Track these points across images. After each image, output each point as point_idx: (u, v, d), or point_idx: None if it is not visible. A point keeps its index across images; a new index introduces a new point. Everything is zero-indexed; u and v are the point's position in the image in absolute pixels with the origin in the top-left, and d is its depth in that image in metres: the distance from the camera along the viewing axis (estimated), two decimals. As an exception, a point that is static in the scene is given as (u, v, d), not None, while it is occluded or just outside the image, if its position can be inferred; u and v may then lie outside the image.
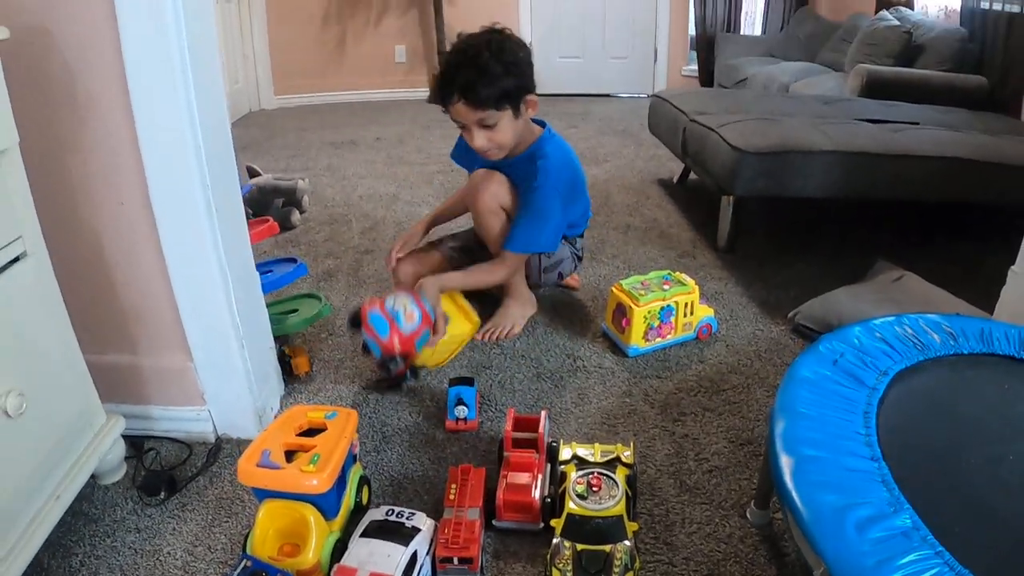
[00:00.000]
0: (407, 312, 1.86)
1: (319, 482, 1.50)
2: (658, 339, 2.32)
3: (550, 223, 2.31)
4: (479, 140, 2.20)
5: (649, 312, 2.25)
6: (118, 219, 1.77)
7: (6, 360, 1.44)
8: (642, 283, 2.33)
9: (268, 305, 2.08)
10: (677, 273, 2.39)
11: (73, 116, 1.68)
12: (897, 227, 3.21)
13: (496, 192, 2.30)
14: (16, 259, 1.47)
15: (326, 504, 1.54)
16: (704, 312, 2.39)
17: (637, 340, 2.28)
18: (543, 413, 1.82)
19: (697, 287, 2.33)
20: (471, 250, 2.59)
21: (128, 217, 1.77)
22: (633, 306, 2.24)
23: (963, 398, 1.48)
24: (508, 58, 2.15)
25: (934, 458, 1.33)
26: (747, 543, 1.62)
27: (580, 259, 2.59)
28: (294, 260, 2.39)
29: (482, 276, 2.37)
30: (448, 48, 2.27)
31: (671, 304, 2.29)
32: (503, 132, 2.20)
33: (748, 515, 1.68)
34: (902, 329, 1.61)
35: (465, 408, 1.90)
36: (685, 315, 2.32)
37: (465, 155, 2.48)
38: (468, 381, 1.98)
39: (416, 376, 2.10)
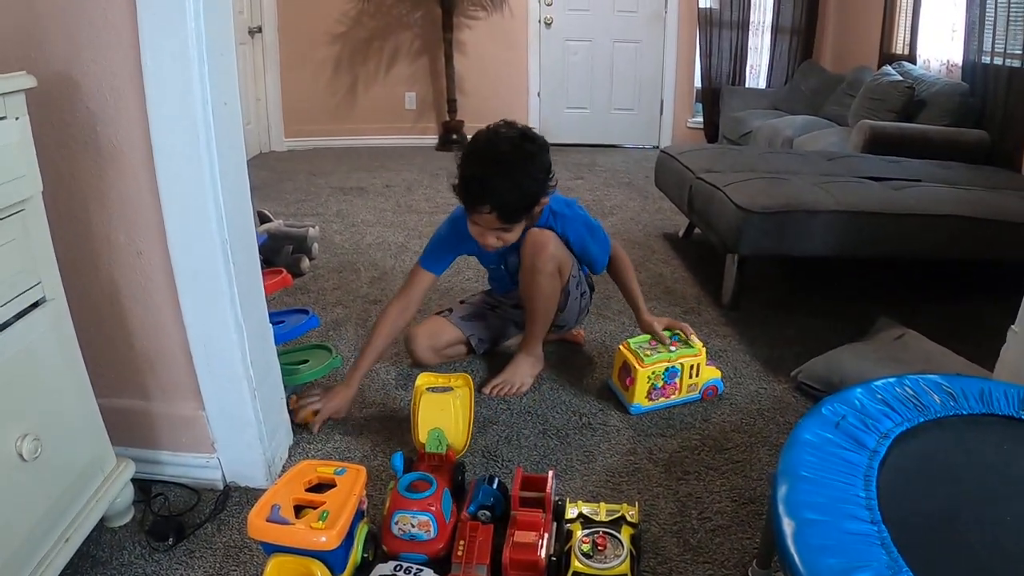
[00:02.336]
0: (419, 525, 1.72)
1: (328, 539, 1.51)
2: (661, 399, 2.35)
3: (598, 232, 2.44)
4: (492, 241, 2.22)
5: (653, 373, 2.28)
6: (136, 268, 1.81)
7: (23, 404, 1.47)
8: (649, 342, 2.36)
9: (279, 356, 2.10)
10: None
11: (95, 165, 1.72)
12: (899, 284, 3.24)
13: (555, 253, 2.31)
14: (35, 304, 1.50)
15: (334, 560, 1.56)
16: (710, 374, 2.41)
17: (640, 399, 2.30)
18: (550, 473, 1.84)
19: (704, 349, 2.36)
20: (483, 314, 2.64)
21: (146, 266, 1.80)
22: (637, 366, 2.26)
23: (962, 459, 1.51)
24: (538, 171, 2.14)
25: (933, 520, 1.35)
26: (748, 606, 1.63)
27: (593, 289, 2.64)
28: (306, 311, 2.42)
29: (630, 272, 2.56)
30: (471, 142, 2.20)
31: (676, 366, 2.31)
32: (516, 233, 2.23)
33: (750, 575, 1.69)
34: (903, 390, 1.63)
35: (488, 513, 1.81)
36: (691, 376, 2.34)
37: (445, 254, 2.45)
38: (502, 488, 1.89)
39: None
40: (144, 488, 1.95)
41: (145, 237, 1.77)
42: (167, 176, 1.69)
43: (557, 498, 1.82)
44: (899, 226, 2.90)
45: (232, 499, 1.96)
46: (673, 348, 2.33)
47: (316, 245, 3.54)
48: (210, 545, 1.81)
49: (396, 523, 1.71)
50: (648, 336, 2.41)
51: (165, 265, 1.78)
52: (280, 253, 3.34)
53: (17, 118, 1.41)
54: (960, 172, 3.57)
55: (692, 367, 2.33)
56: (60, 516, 1.58)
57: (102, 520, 1.82)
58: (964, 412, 1.58)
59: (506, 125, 2.16)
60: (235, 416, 1.93)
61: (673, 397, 2.36)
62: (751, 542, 1.79)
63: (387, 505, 1.79)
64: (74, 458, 1.64)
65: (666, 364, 2.29)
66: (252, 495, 1.95)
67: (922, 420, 1.56)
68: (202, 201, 1.71)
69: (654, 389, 2.31)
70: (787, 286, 3.28)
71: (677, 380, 2.33)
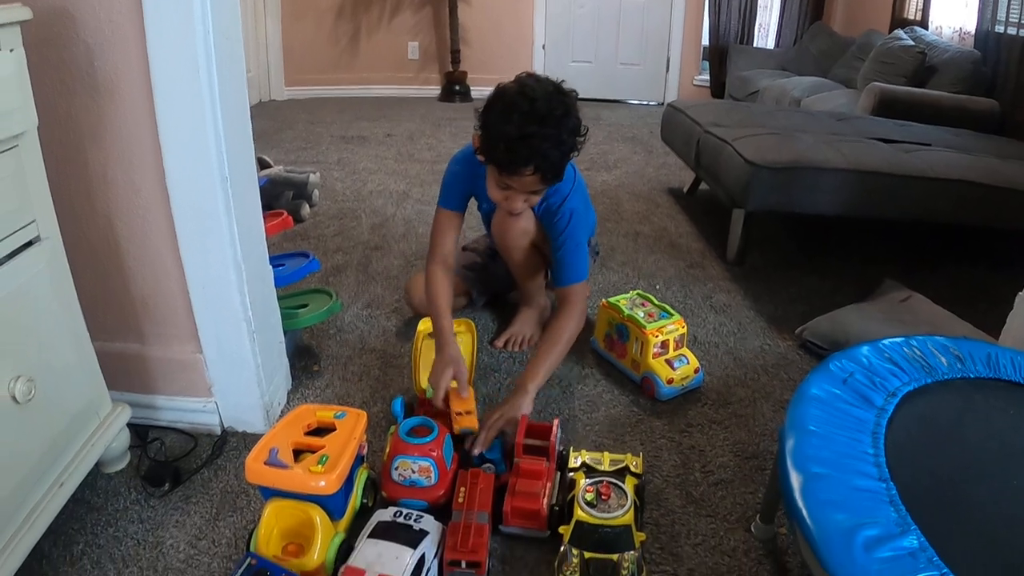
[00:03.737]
0: (420, 470, 1.69)
1: (327, 483, 1.49)
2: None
3: (583, 248, 2.23)
4: (519, 205, 2.08)
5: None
6: (133, 207, 1.77)
7: (16, 345, 1.44)
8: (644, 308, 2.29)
9: (278, 299, 2.07)
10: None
11: (92, 102, 1.67)
12: (906, 247, 3.21)
13: (527, 228, 2.24)
14: (29, 243, 1.47)
15: (333, 505, 1.54)
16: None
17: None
18: (555, 422, 1.82)
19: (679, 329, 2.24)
20: (484, 266, 2.60)
21: (143, 205, 1.76)
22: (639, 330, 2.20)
23: (969, 422, 1.49)
24: (574, 126, 1.99)
25: (940, 481, 1.33)
26: (751, 557, 1.62)
27: (598, 254, 2.58)
28: (306, 255, 2.38)
29: (566, 335, 2.11)
30: (501, 99, 1.98)
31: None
32: (540, 195, 2.12)
33: (753, 529, 1.68)
34: (910, 350, 1.61)
35: (492, 465, 1.80)
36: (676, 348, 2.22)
37: (460, 192, 2.29)
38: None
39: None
40: (140, 434, 1.93)
41: (143, 175, 1.73)
42: (166, 111, 1.64)
43: (561, 448, 1.80)
44: (908, 188, 2.86)
45: (229, 444, 1.95)
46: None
47: (317, 192, 3.50)
48: (207, 490, 1.80)
49: (396, 468, 1.69)
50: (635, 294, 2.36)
51: (163, 204, 1.74)
52: (280, 199, 3.31)
53: (12, 50, 1.36)
54: (970, 140, 3.52)
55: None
56: (54, 461, 1.56)
57: (97, 465, 1.80)
58: (971, 375, 1.56)
59: (533, 78, 2.02)
60: (233, 359, 1.90)
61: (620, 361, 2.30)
62: (754, 497, 1.77)
63: (387, 450, 1.77)
64: (69, 402, 1.61)
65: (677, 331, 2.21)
66: (250, 440, 1.93)
67: (929, 381, 1.54)
68: (202, 137, 1.66)
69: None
70: (793, 245, 3.26)
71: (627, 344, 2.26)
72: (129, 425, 1.84)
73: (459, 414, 1.86)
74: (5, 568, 1.37)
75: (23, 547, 1.43)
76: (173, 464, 1.86)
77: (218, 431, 1.99)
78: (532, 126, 1.89)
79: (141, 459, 1.87)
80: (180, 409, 1.99)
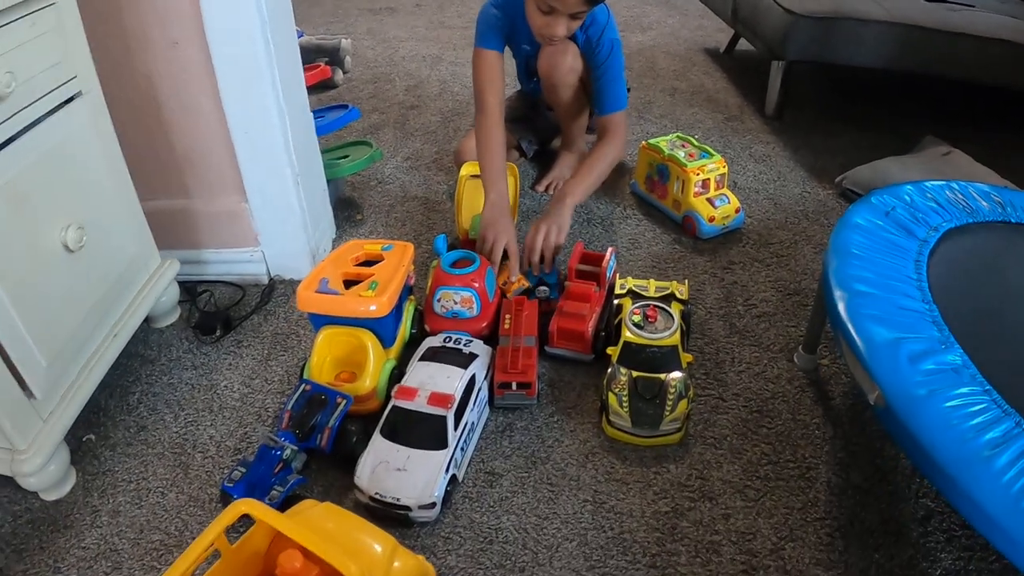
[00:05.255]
0: (462, 301, 1.72)
1: (378, 307, 1.52)
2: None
3: (622, 79, 2.24)
4: (561, 31, 2.04)
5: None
6: (172, 61, 1.76)
7: (66, 195, 1.46)
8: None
9: (320, 151, 2.08)
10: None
11: (126, -49, 1.65)
12: (948, 106, 3.15)
13: (574, 66, 2.22)
14: (71, 98, 1.48)
15: (384, 331, 1.57)
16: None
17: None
18: (610, 250, 1.84)
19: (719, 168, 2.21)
20: (529, 117, 2.59)
21: (182, 58, 1.76)
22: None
23: (1009, 259, 1.49)
24: None
25: (980, 308, 1.35)
26: (794, 384, 1.64)
27: (629, 89, 2.56)
28: (346, 106, 2.39)
29: (607, 158, 2.17)
30: None
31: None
32: (579, 23, 2.09)
33: (796, 359, 1.70)
34: (952, 193, 1.61)
35: (547, 288, 1.84)
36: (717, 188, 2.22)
37: (499, 32, 2.21)
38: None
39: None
40: (189, 290, 1.97)
41: (181, 30, 1.72)
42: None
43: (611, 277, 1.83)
44: (950, 44, 2.79)
45: (277, 291, 1.99)
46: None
47: (349, 58, 3.47)
48: (258, 334, 1.84)
49: (439, 300, 1.72)
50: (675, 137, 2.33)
51: (204, 57, 1.74)
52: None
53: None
54: (1016, 7, 3.41)
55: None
56: (107, 311, 1.60)
57: (148, 321, 1.86)
58: (1012, 220, 1.55)
59: None
60: (279, 206, 1.93)
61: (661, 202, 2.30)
62: (796, 330, 1.79)
63: (429, 283, 1.80)
64: (118, 253, 1.64)
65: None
66: (297, 286, 1.96)
67: (970, 221, 1.54)
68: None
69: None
70: (832, 102, 3.20)
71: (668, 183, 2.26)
72: (178, 282, 1.89)
73: (507, 282, 1.88)
74: (64, 416, 1.43)
75: (81, 396, 1.48)
76: (223, 312, 1.90)
77: (265, 280, 2.03)
78: None
79: (191, 312, 1.92)
80: (227, 261, 2.02)
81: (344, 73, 3.40)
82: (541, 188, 2.42)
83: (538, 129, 2.61)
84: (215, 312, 1.91)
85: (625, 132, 2.25)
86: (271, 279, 2.02)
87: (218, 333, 1.84)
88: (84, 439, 1.57)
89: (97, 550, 1.35)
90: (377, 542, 1.11)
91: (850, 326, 1.27)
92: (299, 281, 1.92)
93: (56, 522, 1.40)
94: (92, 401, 1.55)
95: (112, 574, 1.31)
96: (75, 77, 1.47)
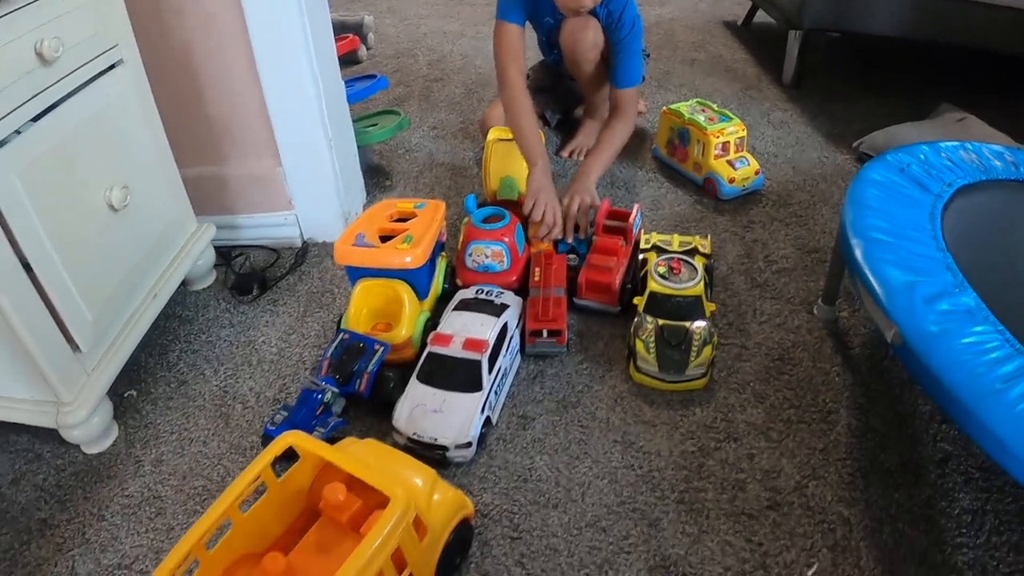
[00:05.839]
0: (493, 255, 1.77)
1: (413, 258, 1.58)
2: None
3: (639, 56, 2.27)
4: (588, 1, 2.11)
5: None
6: (208, 31, 1.82)
7: (110, 157, 1.53)
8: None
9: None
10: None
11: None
12: (965, 75, 3.17)
13: (596, 41, 2.25)
14: (113, 65, 1.54)
15: (418, 282, 1.63)
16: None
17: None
18: (636, 207, 1.89)
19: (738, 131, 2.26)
20: (550, 86, 2.63)
21: (219, 27, 1.81)
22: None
23: (1021, 214, 1.54)
24: None
25: (993, 258, 1.39)
26: (814, 335, 1.69)
27: (648, 55, 2.59)
28: (374, 76, 2.43)
29: (619, 135, 2.18)
30: None
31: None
32: None
33: (815, 311, 1.74)
34: (966, 153, 1.65)
35: (575, 257, 1.87)
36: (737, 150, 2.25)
37: (521, 6, 2.19)
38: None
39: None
40: (225, 255, 2.03)
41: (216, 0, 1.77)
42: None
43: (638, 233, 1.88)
44: (967, 12, 2.80)
45: (311, 253, 2.04)
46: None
47: (372, 34, 3.51)
48: (293, 293, 1.90)
49: (470, 255, 1.77)
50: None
51: (239, 23, 1.79)
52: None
53: None
54: None
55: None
56: (147, 272, 1.66)
57: (185, 284, 1.92)
58: None
59: None
60: (312, 169, 1.98)
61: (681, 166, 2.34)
62: (815, 284, 1.83)
63: (461, 238, 1.85)
64: (158, 216, 1.71)
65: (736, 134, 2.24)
66: (330, 249, 2.02)
67: (984, 178, 1.58)
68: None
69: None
70: (849, 71, 3.22)
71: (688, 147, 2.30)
72: (214, 247, 1.95)
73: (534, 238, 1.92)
74: (108, 370, 1.49)
75: (123, 352, 1.54)
76: (259, 273, 1.96)
77: (299, 243, 2.08)
78: None
79: (227, 275, 1.98)
80: (262, 225, 2.08)
81: (368, 49, 3.44)
82: (565, 154, 2.47)
83: (560, 98, 2.65)
84: (251, 273, 1.97)
85: (635, 108, 2.28)
86: (304, 242, 2.08)
87: (255, 293, 1.90)
88: (126, 395, 1.63)
89: (141, 497, 1.41)
90: (418, 475, 1.17)
91: (867, 270, 1.32)
92: (332, 244, 1.97)
93: (99, 473, 1.47)
94: (133, 360, 1.61)
95: (156, 519, 1.37)
96: (116, 45, 1.53)
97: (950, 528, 1.27)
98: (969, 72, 3.17)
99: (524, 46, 2.21)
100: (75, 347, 1.42)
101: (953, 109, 2.64)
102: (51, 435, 1.50)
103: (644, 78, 2.39)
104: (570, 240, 1.91)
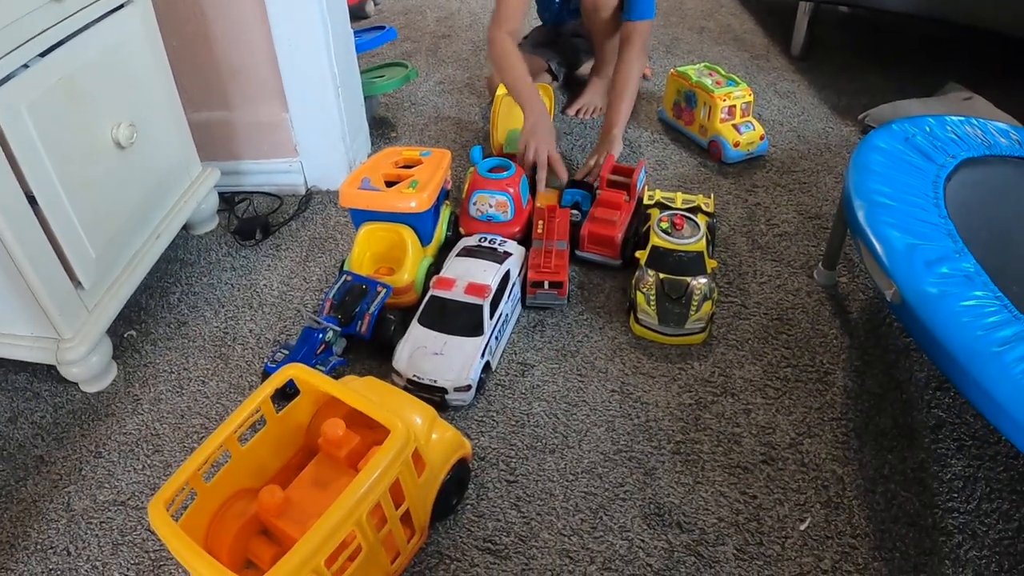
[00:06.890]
0: (497, 205, 1.78)
1: (418, 203, 1.58)
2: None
3: None
4: None
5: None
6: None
7: (118, 94, 1.53)
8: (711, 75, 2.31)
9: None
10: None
11: None
12: (973, 56, 3.16)
13: None
14: (123, 4, 1.54)
15: (422, 227, 1.63)
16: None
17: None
18: (640, 163, 1.89)
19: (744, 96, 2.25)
20: (553, 42, 2.62)
21: (229, -30, 1.80)
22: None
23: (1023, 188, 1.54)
24: None
25: (994, 227, 1.40)
26: (813, 298, 1.70)
27: None
28: (383, 27, 2.43)
29: (633, 76, 2.18)
30: None
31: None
32: None
33: (815, 275, 1.75)
34: (971, 128, 1.65)
35: (578, 213, 1.85)
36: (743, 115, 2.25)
37: None
38: (587, 187, 1.92)
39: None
40: (228, 200, 2.04)
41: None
42: None
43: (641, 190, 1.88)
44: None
45: (315, 200, 2.05)
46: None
47: (380, -10, 3.51)
48: (296, 239, 1.91)
49: (474, 204, 1.78)
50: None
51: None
52: None
53: None
54: None
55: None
56: (151, 212, 1.67)
57: (188, 228, 1.93)
58: None
59: None
60: (319, 116, 1.98)
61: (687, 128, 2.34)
62: (816, 250, 1.84)
63: (466, 188, 1.86)
64: (163, 156, 1.71)
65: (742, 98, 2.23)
66: (334, 196, 2.03)
67: (987, 153, 1.58)
68: None
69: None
70: (859, 44, 3.21)
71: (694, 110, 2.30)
72: (218, 193, 1.95)
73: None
74: (108, 308, 1.50)
75: (124, 291, 1.55)
76: (262, 218, 1.96)
77: (303, 190, 2.08)
78: None
79: (230, 220, 1.98)
80: (266, 171, 2.08)
81: (376, 4, 3.43)
82: (572, 112, 2.46)
83: (564, 54, 2.64)
84: (254, 218, 1.97)
85: (647, 42, 2.24)
86: (308, 189, 2.08)
87: (257, 237, 1.91)
88: (126, 335, 1.64)
89: (139, 435, 1.42)
90: (418, 413, 1.17)
91: (869, 231, 1.33)
92: (336, 191, 1.98)
93: (97, 411, 1.48)
94: (133, 301, 1.64)
95: (153, 456, 1.38)
96: (124, -15, 1.53)
97: (941, 492, 1.28)
98: (978, 52, 3.17)
99: (525, 12, 2.21)
100: (77, 283, 1.43)
101: (960, 88, 2.64)
102: (50, 374, 1.51)
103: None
104: (594, 181, 1.91)
